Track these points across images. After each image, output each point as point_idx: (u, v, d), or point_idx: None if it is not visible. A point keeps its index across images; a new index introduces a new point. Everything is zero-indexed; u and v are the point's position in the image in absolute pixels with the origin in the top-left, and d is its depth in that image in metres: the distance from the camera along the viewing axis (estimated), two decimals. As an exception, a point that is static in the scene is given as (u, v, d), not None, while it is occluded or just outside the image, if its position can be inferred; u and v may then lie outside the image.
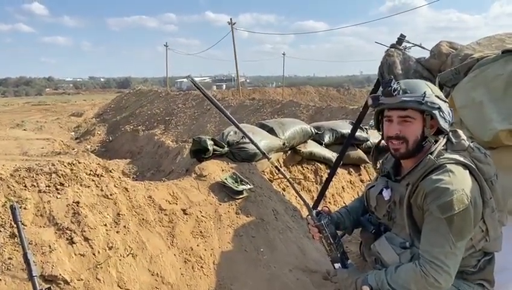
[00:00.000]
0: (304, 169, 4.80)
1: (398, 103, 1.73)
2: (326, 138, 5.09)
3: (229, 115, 2.03)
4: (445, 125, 1.75)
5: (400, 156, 1.81)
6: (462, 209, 1.61)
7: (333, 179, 4.28)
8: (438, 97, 1.74)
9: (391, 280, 1.70)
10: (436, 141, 1.78)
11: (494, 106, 2.44)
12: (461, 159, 1.71)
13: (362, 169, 5.46)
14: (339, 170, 4.88)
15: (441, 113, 1.72)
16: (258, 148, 2.10)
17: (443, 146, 1.78)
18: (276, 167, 2.07)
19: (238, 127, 2.09)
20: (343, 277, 1.88)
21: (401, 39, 3.50)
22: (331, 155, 4.88)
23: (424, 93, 1.70)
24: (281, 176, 4.29)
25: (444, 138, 1.80)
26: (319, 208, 2.09)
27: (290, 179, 2.13)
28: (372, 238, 1.95)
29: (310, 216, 1.99)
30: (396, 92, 1.71)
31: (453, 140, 1.80)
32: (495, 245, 1.81)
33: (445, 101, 1.77)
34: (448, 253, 1.62)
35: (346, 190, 5.05)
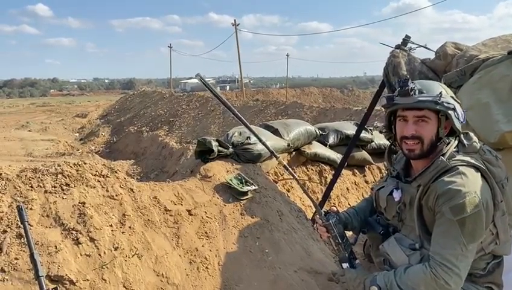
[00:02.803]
0: (308, 170, 4.79)
1: (414, 102, 1.72)
2: (331, 139, 5.08)
3: (237, 113, 2.02)
4: (459, 125, 1.75)
5: (415, 157, 1.80)
6: (474, 212, 1.60)
7: (338, 180, 4.27)
8: (452, 98, 1.75)
9: (400, 281, 1.69)
10: (448, 143, 1.78)
11: (500, 107, 2.43)
12: (473, 161, 1.70)
13: (367, 170, 5.45)
14: (344, 171, 4.87)
15: (455, 113, 1.72)
16: (267, 147, 2.10)
17: (455, 148, 1.77)
18: (284, 165, 2.07)
19: (246, 126, 2.08)
20: (352, 277, 1.88)
21: (406, 40, 3.50)
22: (336, 156, 4.88)
23: (440, 93, 1.70)
24: (285, 177, 4.29)
25: (455, 139, 1.79)
26: (325, 209, 2.09)
27: (298, 179, 2.13)
28: (380, 239, 1.94)
29: (318, 216, 1.99)
30: (413, 92, 1.71)
31: (465, 142, 1.79)
32: (504, 248, 1.80)
33: (458, 102, 1.77)
34: (460, 255, 1.62)
35: (350, 191, 5.04)
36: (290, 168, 2.09)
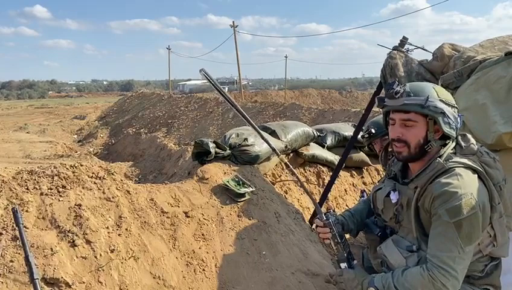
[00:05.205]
0: (306, 172, 4.79)
1: (400, 105, 1.72)
2: (329, 141, 5.08)
3: (241, 110, 2.01)
4: (449, 130, 1.73)
5: (403, 159, 1.81)
6: (470, 214, 1.60)
7: (335, 181, 4.27)
8: (443, 101, 1.72)
9: (398, 283, 1.69)
10: (444, 145, 1.77)
11: (497, 108, 2.43)
12: (470, 163, 1.69)
13: (365, 172, 5.45)
14: (341, 173, 4.87)
15: (444, 118, 1.71)
16: (269, 144, 2.08)
17: (452, 150, 1.77)
18: (285, 163, 2.07)
19: (248, 122, 2.04)
20: (350, 278, 1.87)
21: (403, 41, 3.50)
22: (334, 158, 4.87)
23: (427, 97, 1.69)
24: (283, 178, 4.29)
25: (452, 141, 1.79)
26: (322, 210, 2.09)
27: (298, 176, 2.13)
28: (378, 241, 1.94)
29: (318, 216, 1.98)
30: (398, 95, 1.71)
31: (462, 144, 1.78)
32: (502, 250, 1.80)
33: (452, 106, 1.75)
34: (457, 258, 1.61)
35: (348, 192, 5.03)
36: (291, 166, 2.09)
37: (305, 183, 4.64)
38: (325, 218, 1.95)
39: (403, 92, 1.71)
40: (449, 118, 1.72)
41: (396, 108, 1.74)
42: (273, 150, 2.08)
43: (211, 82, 1.98)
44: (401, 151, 1.77)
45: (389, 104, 1.76)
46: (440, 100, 1.72)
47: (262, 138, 2.08)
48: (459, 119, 1.77)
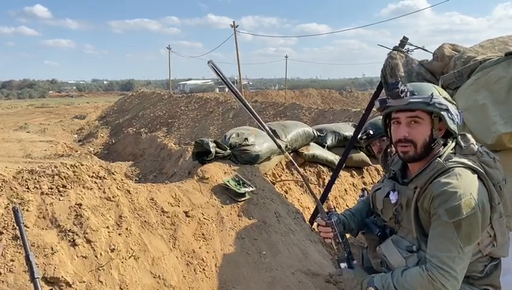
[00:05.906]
0: (306, 172, 4.79)
1: (406, 104, 1.72)
2: (329, 141, 5.08)
3: (247, 104, 1.99)
4: (453, 126, 1.74)
5: (409, 159, 1.80)
6: (470, 214, 1.59)
7: (336, 181, 4.27)
8: (446, 99, 1.74)
9: (397, 283, 1.69)
10: (445, 144, 1.78)
11: (497, 109, 2.43)
12: (470, 163, 1.70)
13: (365, 171, 5.45)
14: (342, 173, 4.87)
15: (449, 114, 1.72)
16: (274, 140, 2.07)
17: (452, 150, 1.77)
18: (290, 160, 2.07)
19: (253, 114, 2.01)
20: (349, 278, 1.87)
21: (403, 42, 3.49)
22: (334, 158, 4.87)
23: (432, 94, 1.70)
24: (283, 178, 4.29)
25: (452, 141, 1.79)
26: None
27: (303, 174, 2.14)
28: (377, 241, 1.94)
29: (320, 215, 1.99)
30: (404, 94, 1.71)
31: (462, 144, 1.79)
32: (502, 250, 1.80)
33: (453, 103, 1.77)
34: (456, 258, 1.61)
35: (348, 192, 5.04)
36: (295, 163, 2.09)
37: (304, 183, 4.65)
38: (327, 217, 1.95)
39: (407, 91, 1.72)
40: (452, 114, 1.73)
41: (402, 107, 1.74)
42: (279, 147, 2.07)
43: (217, 74, 1.97)
44: (407, 151, 1.76)
45: (393, 105, 1.75)
46: (443, 97, 1.74)
47: (268, 132, 2.06)
48: (460, 115, 1.78)
